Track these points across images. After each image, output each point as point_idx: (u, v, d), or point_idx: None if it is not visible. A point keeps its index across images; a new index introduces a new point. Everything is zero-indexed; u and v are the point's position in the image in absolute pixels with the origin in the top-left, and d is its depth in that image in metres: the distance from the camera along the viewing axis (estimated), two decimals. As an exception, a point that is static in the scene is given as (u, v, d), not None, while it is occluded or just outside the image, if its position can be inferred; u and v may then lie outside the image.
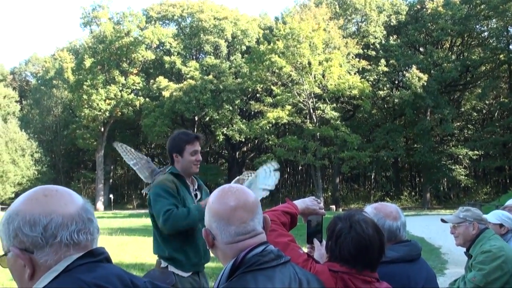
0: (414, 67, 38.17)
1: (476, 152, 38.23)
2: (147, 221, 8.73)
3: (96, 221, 1.18)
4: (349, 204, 42.84)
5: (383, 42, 40.61)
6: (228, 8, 47.97)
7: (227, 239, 1.36)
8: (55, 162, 50.76)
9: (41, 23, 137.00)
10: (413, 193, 46.38)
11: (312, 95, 37.32)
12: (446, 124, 37.94)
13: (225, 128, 41.00)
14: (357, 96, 36.94)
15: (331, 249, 1.65)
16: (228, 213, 1.37)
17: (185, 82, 42.18)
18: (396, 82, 43.59)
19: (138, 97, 44.06)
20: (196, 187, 3.27)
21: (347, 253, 1.59)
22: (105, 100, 43.16)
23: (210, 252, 1.58)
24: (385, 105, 43.83)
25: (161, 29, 45.56)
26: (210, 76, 42.24)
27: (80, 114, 44.43)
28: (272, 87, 38.08)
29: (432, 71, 38.47)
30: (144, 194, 5.60)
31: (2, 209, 32.15)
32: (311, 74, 36.73)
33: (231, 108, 41.44)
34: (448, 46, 43.50)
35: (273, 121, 37.38)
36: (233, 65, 43.89)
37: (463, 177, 39.47)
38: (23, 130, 46.51)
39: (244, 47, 45.21)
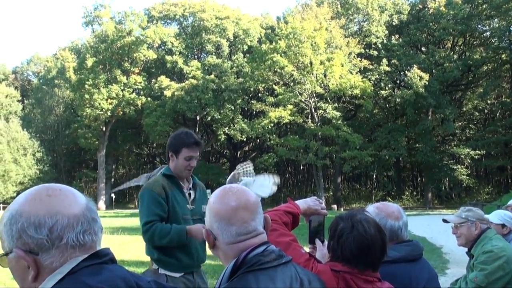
0: (415, 66, 38.14)
1: (478, 151, 38.16)
2: (149, 221, 8.72)
3: (100, 221, 1.17)
4: (351, 204, 42.86)
5: (385, 41, 40.60)
6: (230, 8, 47.94)
7: (228, 239, 1.36)
8: (56, 162, 50.86)
9: (43, 23, 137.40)
10: (414, 193, 46.30)
11: (314, 94, 37.31)
12: (447, 123, 37.90)
13: (227, 128, 41.02)
14: (359, 95, 36.94)
15: (333, 248, 1.65)
16: (229, 213, 1.36)
17: (186, 82, 42.20)
18: (398, 81, 43.53)
19: (140, 97, 44.05)
20: (190, 185, 3.21)
21: (349, 253, 1.59)
22: (106, 100, 43.20)
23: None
24: (387, 105, 43.81)
25: (163, 29, 45.55)
26: (212, 76, 42.25)
27: (81, 113, 44.51)
28: (273, 86, 38.09)
29: (434, 70, 38.44)
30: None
31: (4, 208, 32.19)
32: (312, 74, 36.72)
33: (232, 107, 41.44)
34: (450, 45, 43.43)
35: (275, 121, 37.42)
36: (235, 64, 43.87)
37: (464, 177, 39.44)
38: (25, 129, 46.61)
39: (246, 47, 45.18)
